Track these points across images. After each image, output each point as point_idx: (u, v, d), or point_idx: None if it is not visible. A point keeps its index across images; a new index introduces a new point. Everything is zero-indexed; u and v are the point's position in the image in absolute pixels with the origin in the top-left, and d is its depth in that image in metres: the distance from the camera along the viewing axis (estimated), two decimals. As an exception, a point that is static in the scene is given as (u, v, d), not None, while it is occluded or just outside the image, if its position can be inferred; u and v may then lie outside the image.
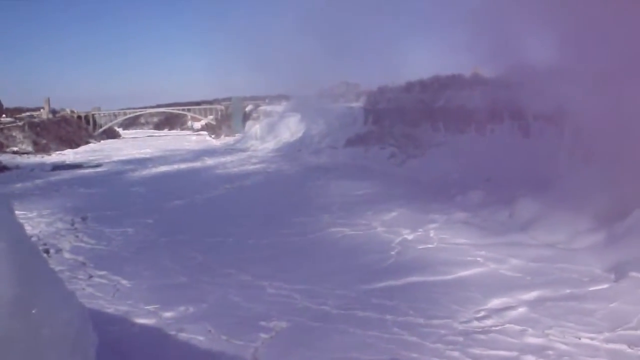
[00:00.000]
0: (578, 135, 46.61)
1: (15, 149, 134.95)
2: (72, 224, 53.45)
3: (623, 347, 22.54)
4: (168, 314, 28.91)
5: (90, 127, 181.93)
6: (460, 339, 24.03)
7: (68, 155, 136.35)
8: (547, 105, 53.08)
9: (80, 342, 14.85)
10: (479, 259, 35.64)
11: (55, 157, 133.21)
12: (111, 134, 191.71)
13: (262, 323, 27.04)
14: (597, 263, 32.76)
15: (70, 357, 14.21)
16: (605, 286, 29.49)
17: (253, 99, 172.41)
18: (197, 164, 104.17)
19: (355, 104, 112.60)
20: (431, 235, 41.93)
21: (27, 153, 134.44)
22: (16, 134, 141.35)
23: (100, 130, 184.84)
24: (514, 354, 22.34)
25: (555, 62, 49.16)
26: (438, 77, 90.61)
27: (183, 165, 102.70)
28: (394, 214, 48.89)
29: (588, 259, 33.55)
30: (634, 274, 29.56)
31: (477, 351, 22.78)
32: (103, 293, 32.98)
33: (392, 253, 38.21)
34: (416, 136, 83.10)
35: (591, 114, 41.84)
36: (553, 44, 49.81)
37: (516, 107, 63.81)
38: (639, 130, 36.42)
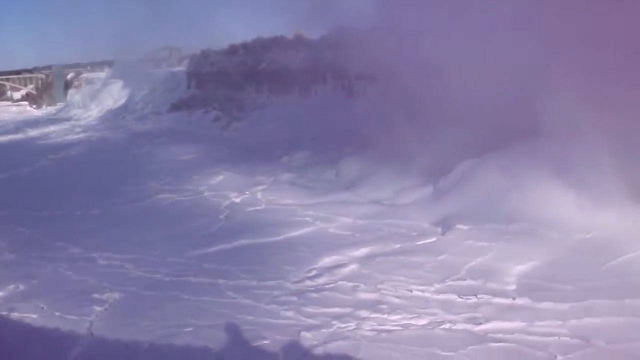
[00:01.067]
0: (401, 94, 47.56)
1: None
2: None
3: (453, 297, 22.89)
4: (-2, 294, 26.86)
5: None
6: (294, 298, 23.65)
7: None
8: (370, 65, 53.95)
9: None
10: (307, 218, 35.40)
11: None
12: None
13: (95, 295, 25.50)
14: (424, 217, 33.26)
15: None
16: (433, 239, 29.99)
17: (75, 66, 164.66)
18: (19, 136, 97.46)
19: (178, 69, 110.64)
20: (259, 197, 41.43)
21: None
22: None
23: None
24: (348, 310, 22.18)
25: (375, 22, 49.97)
26: (261, 39, 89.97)
27: (3, 138, 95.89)
28: (220, 177, 48.03)
29: (415, 214, 34.04)
30: (459, 226, 30.34)
31: (311, 310, 22.45)
32: None
33: (221, 217, 37.40)
34: (240, 99, 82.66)
35: (413, 72, 42.77)
36: (371, 3, 50.66)
37: (339, 68, 64.65)
38: (458, 87, 37.53)
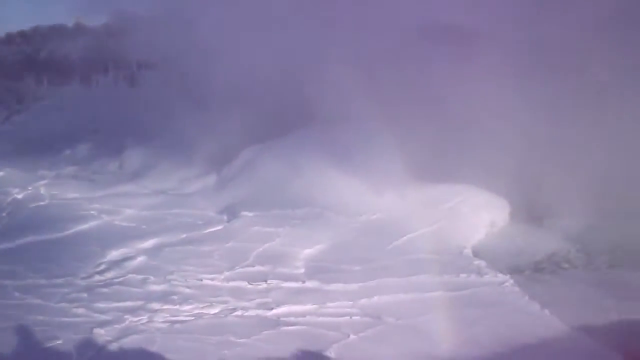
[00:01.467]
0: (184, 82, 47.43)
1: None
2: None
3: (243, 283, 23.02)
4: None
5: None
6: (84, 295, 22.69)
7: None
8: (152, 53, 53.32)
9: None
10: (92, 212, 34.07)
11: None
12: None
13: None
14: (210, 206, 33.49)
15: None
16: (220, 227, 30.15)
17: None
18: None
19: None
20: (42, 192, 39.36)
21: None
22: None
23: None
24: (140, 303, 21.62)
25: (155, 8, 49.58)
26: (39, 27, 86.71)
27: None
28: (0, 173, 45.43)
29: (200, 203, 34.19)
30: (245, 213, 30.65)
31: (102, 305, 21.60)
32: None
33: (3, 214, 35.00)
34: (19, 90, 79.05)
35: (195, 59, 42.76)
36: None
37: (121, 57, 63.46)
38: (239, 74, 38.06)
